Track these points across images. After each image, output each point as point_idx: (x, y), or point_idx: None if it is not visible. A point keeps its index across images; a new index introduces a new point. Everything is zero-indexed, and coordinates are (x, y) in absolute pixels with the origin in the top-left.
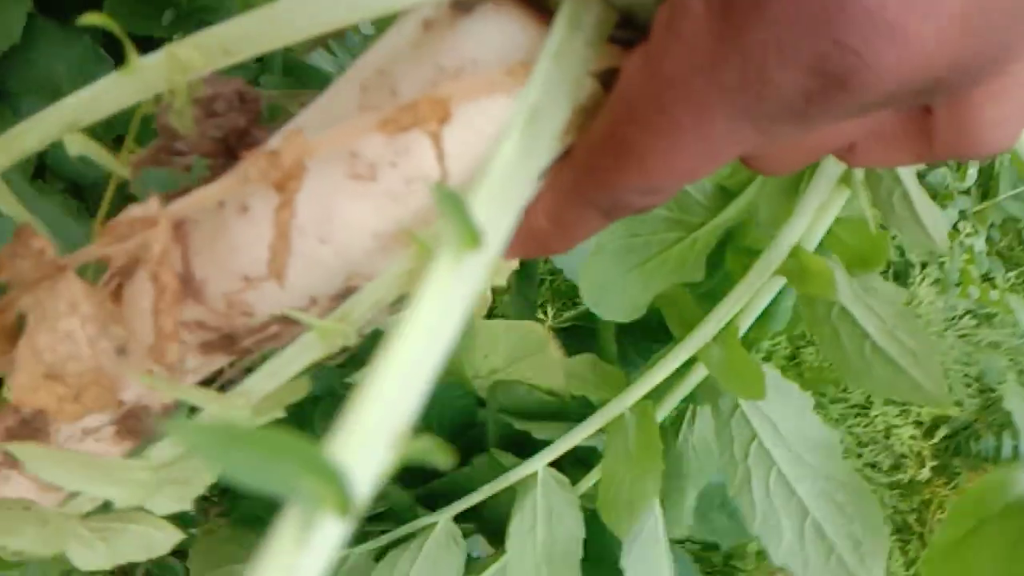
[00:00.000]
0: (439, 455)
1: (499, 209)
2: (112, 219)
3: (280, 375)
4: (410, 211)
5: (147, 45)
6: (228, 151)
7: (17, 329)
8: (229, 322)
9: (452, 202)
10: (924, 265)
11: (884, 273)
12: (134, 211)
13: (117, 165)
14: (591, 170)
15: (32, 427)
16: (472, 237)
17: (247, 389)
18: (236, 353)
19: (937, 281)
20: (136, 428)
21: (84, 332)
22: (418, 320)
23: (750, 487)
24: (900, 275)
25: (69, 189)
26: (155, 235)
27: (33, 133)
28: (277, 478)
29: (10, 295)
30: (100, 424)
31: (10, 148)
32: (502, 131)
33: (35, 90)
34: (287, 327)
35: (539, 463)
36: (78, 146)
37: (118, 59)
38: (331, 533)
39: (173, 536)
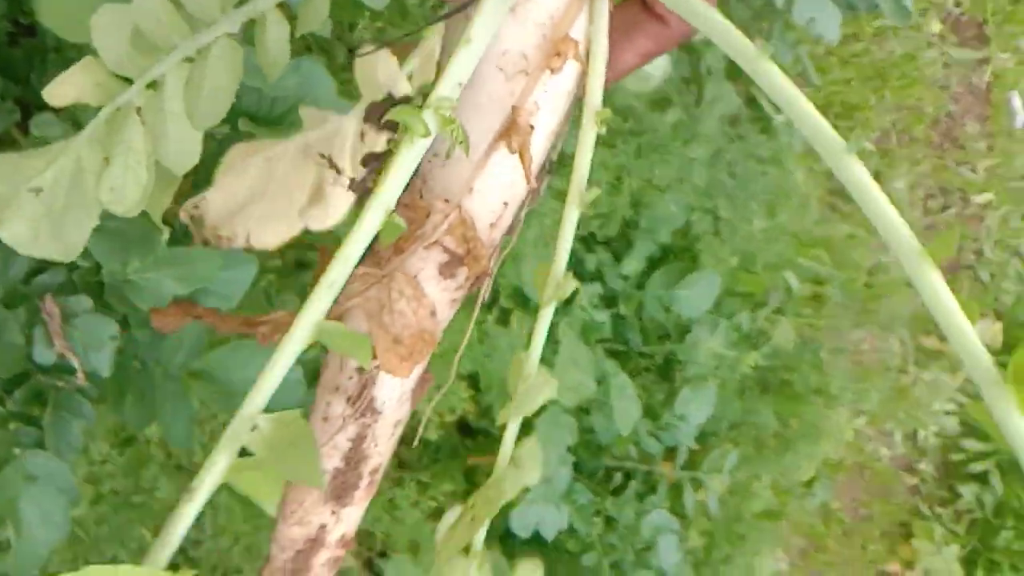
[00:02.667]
0: None
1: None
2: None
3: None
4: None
5: None
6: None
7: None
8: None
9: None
10: None
11: None
12: (436, 213)
13: None
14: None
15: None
16: None
17: None
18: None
19: None
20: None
21: (410, 307)
22: None
23: None
24: None
25: None
26: (454, 217)
27: None
28: None
29: (340, 305)
30: (343, 530)
31: None
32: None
33: None
34: (519, 219)
35: None
36: None
37: None
38: None
39: None
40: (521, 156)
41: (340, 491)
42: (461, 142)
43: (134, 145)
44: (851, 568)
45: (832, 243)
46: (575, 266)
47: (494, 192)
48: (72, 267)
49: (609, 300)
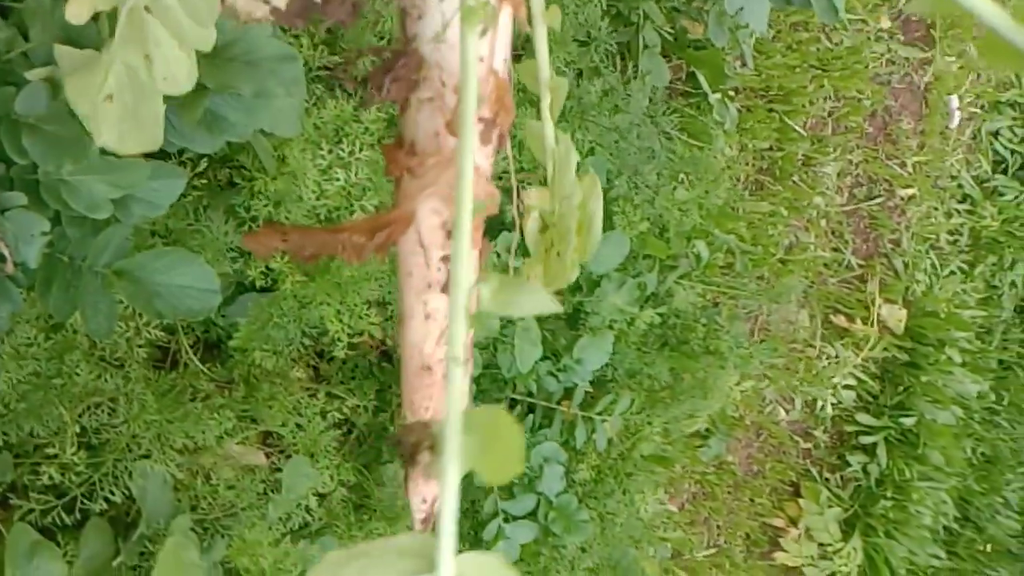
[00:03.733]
0: None
1: None
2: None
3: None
4: None
5: None
6: None
7: None
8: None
9: None
10: None
11: None
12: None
13: None
14: None
15: None
16: None
17: None
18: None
19: None
20: None
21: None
22: None
23: None
24: None
25: None
26: (492, 82)
27: None
28: None
29: (422, 194)
30: None
31: None
32: None
33: None
34: (511, 72)
35: None
36: None
37: None
38: None
39: None
40: (517, 7)
41: None
42: (492, 18)
43: (162, 38)
44: (737, 517)
45: (753, 219)
46: (497, 216)
47: (501, 51)
48: (10, 164)
49: (525, 249)
